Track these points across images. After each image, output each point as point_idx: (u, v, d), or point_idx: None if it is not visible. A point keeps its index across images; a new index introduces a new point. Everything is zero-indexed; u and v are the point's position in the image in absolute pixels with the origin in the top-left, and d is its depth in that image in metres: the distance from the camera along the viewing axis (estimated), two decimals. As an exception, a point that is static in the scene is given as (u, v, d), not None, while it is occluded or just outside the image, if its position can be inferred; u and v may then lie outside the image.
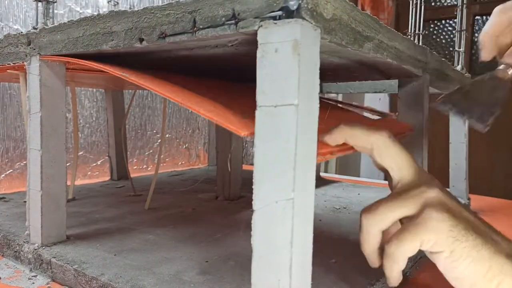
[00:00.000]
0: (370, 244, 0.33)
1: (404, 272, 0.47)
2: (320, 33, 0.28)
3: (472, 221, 0.31)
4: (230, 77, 0.59)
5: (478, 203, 0.86)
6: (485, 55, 0.43)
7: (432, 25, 2.35)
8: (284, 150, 0.26)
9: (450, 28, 2.30)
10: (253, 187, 0.27)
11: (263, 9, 0.27)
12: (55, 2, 0.48)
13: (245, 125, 0.30)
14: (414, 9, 0.74)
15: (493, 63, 0.46)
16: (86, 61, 0.39)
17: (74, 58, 0.44)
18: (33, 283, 0.43)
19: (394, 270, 0.32)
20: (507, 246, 0.30)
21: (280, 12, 0.26)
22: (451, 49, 2.27)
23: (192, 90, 0.40)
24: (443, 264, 0.30)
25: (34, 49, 0.45)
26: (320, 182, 1.00)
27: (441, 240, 0.29)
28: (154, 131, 1.21)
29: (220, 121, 0.30)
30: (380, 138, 0.33)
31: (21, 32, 0.47)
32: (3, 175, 0.88)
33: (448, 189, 0.34)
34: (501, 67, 0.43)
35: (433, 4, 2.35)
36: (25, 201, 0.48)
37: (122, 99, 0.94)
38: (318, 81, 0.28)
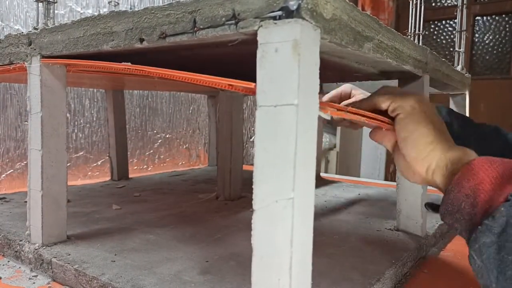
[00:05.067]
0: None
1: (405, 272, 0.47)
2: (320, 33, 0.28)
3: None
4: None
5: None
6: None
7: (432, 26, 2.35)
8: (284, 149, 0.26)
9: (450, 29, 2.30)
10: (253, 186, 0.28)
11: (263, 9, 0.27)
12: (56, 2, 0.48)
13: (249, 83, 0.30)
14: (414, 9, 0.74)
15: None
16: (88, 61, 0.39)
17: (75, 59, 0.44)
18: (34, 283, 0.43)
19: (358, 101, 0.42)
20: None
21: (280, 12, 0.26)
22: (451, 49, 2.27)
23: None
24: (399, 124, 0.38)
25: (35, 49, 0.45)
26: (320, 182, 1.00)
27: (404, 104, 0.38)
28: (155, 131, 1.21)
29: (224, 82, 0.29)
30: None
31: (22, 33, 0.47)
32: (3, 175, 0.88)
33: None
34: None
35: (433, 4, 2.35)
36: (25, 201, 0.49)
37: (123, 99, 0.95)
38: (318, 81, 0.28)
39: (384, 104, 0.39)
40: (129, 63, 0.36)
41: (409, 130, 0.38)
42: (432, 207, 0.43)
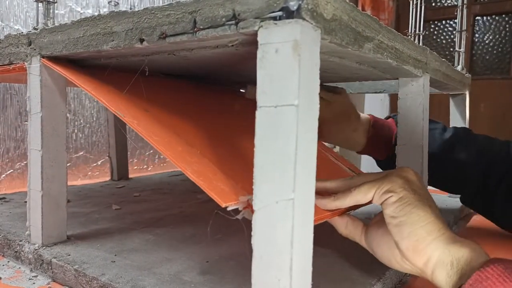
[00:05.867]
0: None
1: (401, 276, 0.47)
2: (320, 33, 0.28)
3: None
4: (229, 77, 0.59)
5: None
6: None
7: (432, 26, 2.35)
8: (284, 150, 0.26)
9: (450, 29, 2.30)
10: (253, 187, 0.28)
11: (264, 10, 0.27)
12: (56, 2, 0.48)
13: (232, 193, 0.32)
14: (414, 9, 0.74)
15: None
16: (86, 88, 0.40)
17: (76, 56, 0.44)
18: (34, 283, 0.43)
19: (339, 201, 0.36)
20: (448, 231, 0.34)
21: (280, 13, 0.26)
22: (451, 49, 2.27)
23: (190, 126, 0.42)
24: (391, 208, 0.34)
25: (34, 50, 0.45)
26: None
27: (394, 187, 0.34)
28: (155, 131, 1.21)
29: (205, 187, 0.31)
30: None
31: (22, 33, 0.47)
32: (3, 175, 0.88)
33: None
34: None
35: (433, 4, 2.35)
36: (25, 202, 0.49)
37: (123, 99, 0.95)
38: (318, 81, 0.28)
39: (369, 195, 0.35)
40: (122, 115, 0.37)
41: (403, 215, 0.33)
42: None
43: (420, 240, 0.33)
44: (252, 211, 0.28)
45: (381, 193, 0.34)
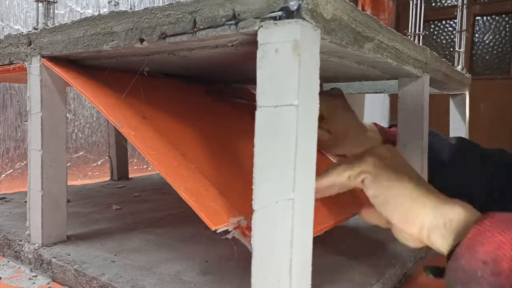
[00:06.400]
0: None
1: (404, 272, 0.47)
2: (320, 33, 0.28)
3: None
4: (229, 77, 0.59)
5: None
6: None
7: (432, 26, 2.35)
8: (284, 150, 0.26)
9: (450, 29, 2.31)
10: (252, 187, 0.28)
11: (264, 10, 0.27)
12: (56, 2, 0.48)
13: (223, 212, 0.32)
14: (414, 9, 0.74)
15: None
16: (84, 93, 0.40)
17: (76, 56, 0.44)
18: (34, 283, 0.43)
19: (317, 182, 0.34)
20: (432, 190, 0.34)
21: (280, 13, 0.26)
22: (451, 49, 2.27)
23: (186, 132, 0.42)
24: (370, 189, 0.34)
25: (34, 49, 0.45)
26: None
27: (366, 168, 0.35)
28: (155, 131, 1.21)
29: (196, 208, 0.31)
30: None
31: (22, 33, 0.47)
32: (3, 175, 0.88)
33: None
34: None
35: (433, 4, 2.35)
36: (25, 201, 0.49)
37: (123, 99, 0.94)
38: (318, 81, 0.28)
39: (344, 175, 0.35)
40: (120, 125, 0.37)
41: (383, 191, 0.33)
42: (433, 271, 0.37)
43: (409, 211, 0.33)
44: (243, 233, 0.28)
45: (356, 175, 0.35)
